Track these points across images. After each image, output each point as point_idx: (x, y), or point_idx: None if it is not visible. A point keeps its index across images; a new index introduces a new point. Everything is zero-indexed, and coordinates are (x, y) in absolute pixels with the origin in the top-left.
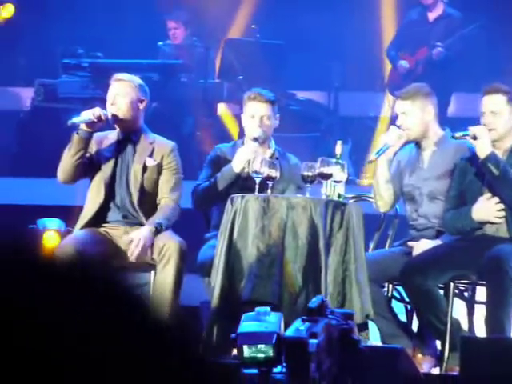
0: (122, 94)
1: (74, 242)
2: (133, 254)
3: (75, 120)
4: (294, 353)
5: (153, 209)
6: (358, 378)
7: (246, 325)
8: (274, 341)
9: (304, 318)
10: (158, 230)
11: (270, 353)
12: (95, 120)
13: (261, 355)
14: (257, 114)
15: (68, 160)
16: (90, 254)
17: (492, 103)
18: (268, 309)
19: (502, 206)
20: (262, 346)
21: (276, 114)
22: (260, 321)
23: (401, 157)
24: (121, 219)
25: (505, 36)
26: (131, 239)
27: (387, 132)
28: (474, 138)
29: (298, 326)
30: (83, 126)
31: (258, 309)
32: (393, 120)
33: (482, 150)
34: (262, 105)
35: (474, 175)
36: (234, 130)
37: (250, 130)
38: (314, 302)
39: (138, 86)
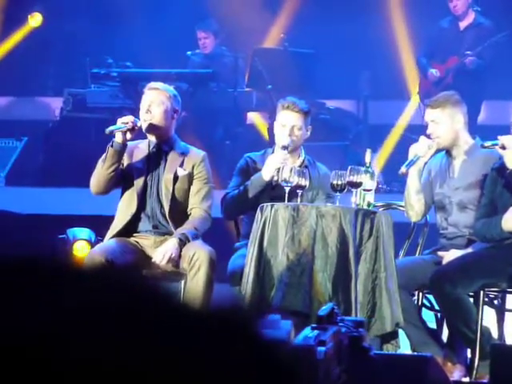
0: (157, 102)
1: (103, 251)
2: (161, 262)
3: (112, 128)
4: (301, 360)
5: (184, 219)
6: None
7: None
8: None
9: (313, 325)
10: (184, 242)
11: None
12: (131, 125)
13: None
14: (288, 123)
15: (102, 173)
16: (119, 263)
17: None
18: (279, 316)
19: None
20: None
21: (308, 126)
22: (270, 328)
23: (431, 166)
24: (151, 229)
25: None
26: (156, 256)
27: (416, 143)
28: (503, 147)
29: (307, 334)
30: (118, 138)
31: (268, 316)
32: (410, 128)
33: (511, 161)
34: (295, 114)
35: (505, 184)
36: (266, 138)
37: (280, 138)
38: (324, 309)
39: (172, 96)
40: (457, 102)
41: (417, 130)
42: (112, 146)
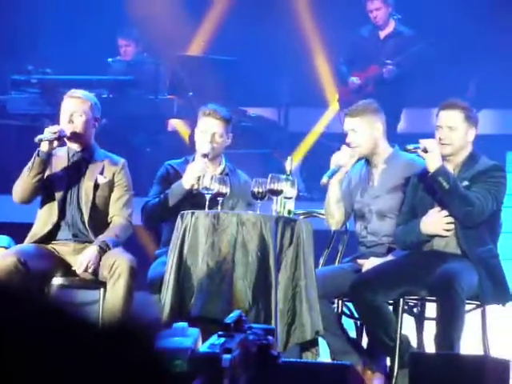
0: (79, 112)
1: (16, 253)
2: (79, 270)
3: (41, 137)
4: (206, 368)
5: (104, 226)
6: None
7: (163, 341)
8: (188, 356)
9: (220, 333)
10: (104, 249)
11: (184, 368)
12: (59, 135)
13: (175, 371)
14: (209, 130)
15: (28, 181)
16: (32, 266)
17: (449, 118)
18: (186, 325)
19: (450, 219)
20: (176, 362)
21: (229, 133)
22: (176, 336)
23: (351, 174)
24: (71, 237)
25: (454, 51)
26: (76, 265)
27: (338, 152)
28: (425, 151)
29: (213, 342)
30: (44, 147)
31: (175, 325)
32: (329, 135)
33: (432, 164)
34: (216, 122)
35: (425, 190)
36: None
37: (201, 145)
38: (231, 317)
39: (93, 105)
40: (375, 111)
41: (336, 137)
42: (38, 154)
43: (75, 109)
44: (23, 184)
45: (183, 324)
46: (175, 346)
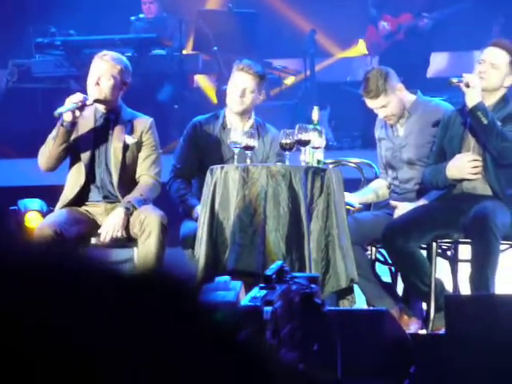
0: (107, 76)
1: (51, 223)
2: (104, 240)
3: (61, 110)
4: (248, 321)
5: (133, 187)
6: (324, 342)
7: (205, 295)
8: (229, 310)
9: (261, 285)
10: (130, 210)
11: (227, 322)
12: (81, 104)
13: (217, 325)
14: (240, 84)
15: (53, 151)
16: (68, 234)
17: (495, 56)
18: (228, 278)
19: (476, 163)
20: (218, 316)
21: (261, 90)
22: (219, 290)
23: (378, 132)
24: (101, 199)
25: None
26: (101, 234)
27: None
28: (467, 85)
29: (254, 294)
30: (68, 117)
31: (217, 278)
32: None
33: (472, 99)
34: (248, 77)
35: (456, 129)
36: (214, 100)
37: (231, 98)
38: (272, 268)
39: (123, 69)
40: (388, 75)
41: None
42: (63, 124)
43: (103, 72)
44: (48, 153)
45: (225, 278)
46: (217, 300)
